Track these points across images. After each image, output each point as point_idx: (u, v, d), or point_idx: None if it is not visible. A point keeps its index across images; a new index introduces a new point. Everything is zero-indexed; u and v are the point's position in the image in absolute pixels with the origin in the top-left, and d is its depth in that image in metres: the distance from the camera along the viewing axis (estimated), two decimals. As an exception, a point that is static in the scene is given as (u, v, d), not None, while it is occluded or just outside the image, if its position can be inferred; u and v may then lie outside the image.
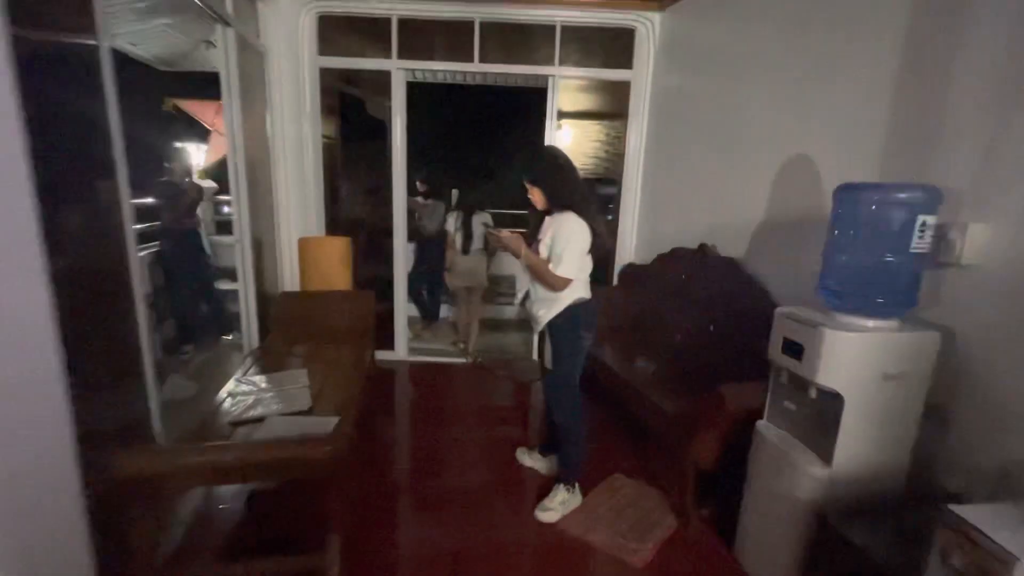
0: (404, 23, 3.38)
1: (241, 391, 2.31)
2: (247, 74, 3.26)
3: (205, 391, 2.76)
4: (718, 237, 2.79)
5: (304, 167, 3.53)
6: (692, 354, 2.67)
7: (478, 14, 3.34)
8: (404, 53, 3.42)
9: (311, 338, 3.17)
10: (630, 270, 3.69)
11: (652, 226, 3.60)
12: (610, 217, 4.15)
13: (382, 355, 3.84)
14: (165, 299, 3.75)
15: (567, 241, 1.89)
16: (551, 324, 2.04)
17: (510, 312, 5.14)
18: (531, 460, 2.50)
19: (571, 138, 8.23)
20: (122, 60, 3.85)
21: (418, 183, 4.41)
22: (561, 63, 3.50)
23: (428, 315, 4.65)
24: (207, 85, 3.84)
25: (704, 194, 2.97)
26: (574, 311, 1.99)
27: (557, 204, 1.97)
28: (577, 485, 2.20)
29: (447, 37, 3.56)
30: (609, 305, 3.51)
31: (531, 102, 4.33)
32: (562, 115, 7.99)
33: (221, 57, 2.62)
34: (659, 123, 3.48)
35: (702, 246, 2.87)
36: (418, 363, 3.95)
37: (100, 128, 1.54)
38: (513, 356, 4.06)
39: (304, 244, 3.54)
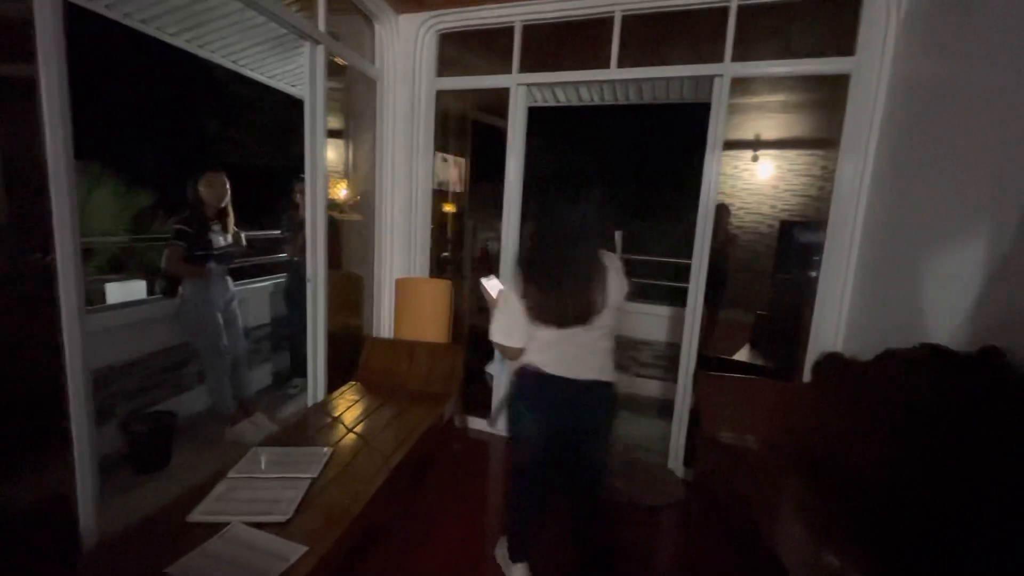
0: (527, 39, 2.79)
1: (245, 469, 1.88)
2: (358, 102, 3.07)
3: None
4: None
5: (413, 202, 3.16)
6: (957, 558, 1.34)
7: (619, 5, 2.56)
8: (526, 69, 2.83)
9: (387, 394, 2.74)
10: (832, 365, 2.33)
11: (875, 301, 2.22)
12: (814, 274, 2.84)
13: (479, 423, 3.19)
14: (283, 331, 3.76)
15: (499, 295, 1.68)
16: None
17: (652, 388, 4.00)
18: None
19: (770, 173, 6.68)
20: (292, 102, 4.15)
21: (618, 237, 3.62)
22: (737, 60, 2.45)
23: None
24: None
25: (988, 258, 1.59)
26: (527, 372, 1.64)
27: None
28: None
29: (576, 48, 2.85)
30: (788, 412, 2.26)
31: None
32: (759, 144, 6.59)
33: (307, 78, 2.37)
34: (899, 139, 2.13)
35: (987, 351, 1.50)
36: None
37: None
38: (641, 457, 2.96)
39: (401, 285, 3.15)
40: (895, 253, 2.09)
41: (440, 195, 3.87)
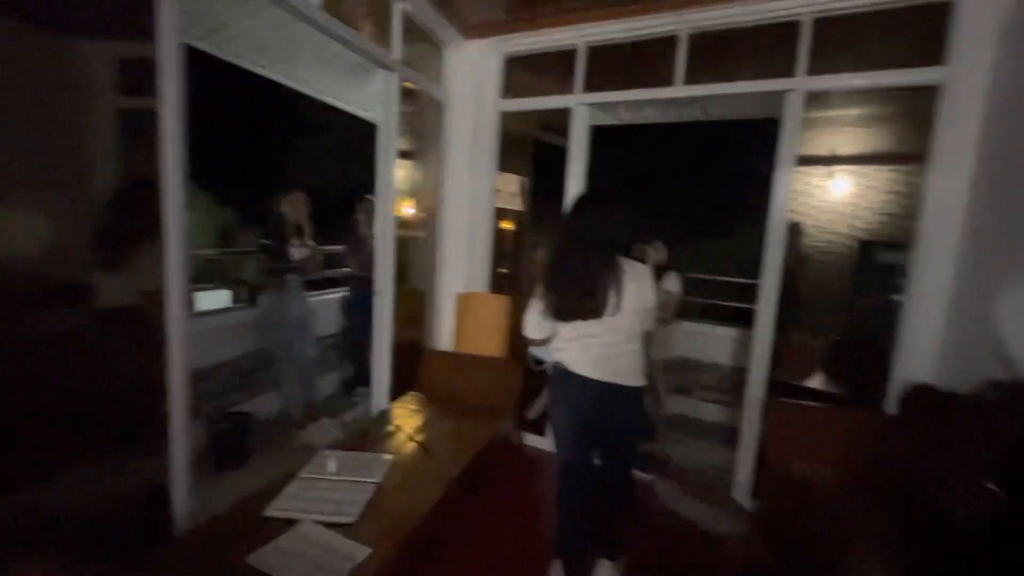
0: (589, 58, 2.84)
1: (314, 471, 1.98)
2: (425, 124, 3.22)
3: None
4: None
5: (474, 219, 3.25)
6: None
7: (685, 24, 2.55)
8: (588, 88, 2.86)
9: (446, 405, 2.80)
10: (924, 396, 2.15)
11: (975, 329, 2.02)
12: (898, 297, 2.64)
13: (536, 440, 3.18)
14: (348, 341, 3.94)
15: None
16: None
17: (715, 413, 3.83)
18: None
19: (846, 189, 6.28)
20: (364, 125, 4.40)
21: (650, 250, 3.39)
22: (811, 73, 2.36)
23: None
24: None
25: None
26: (557, 370, 1.83)
27: None
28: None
29: (638, 67, 2.85)
30: (871, 446, 2.10)
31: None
32: (834, 160, 6.23)
33: (381, 103, 2.52)
34: (1005, 153, 1.96)
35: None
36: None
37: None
38: (707, 478, 2.83)
39: (461, 299, 3.24)
40: (1000, 277, 1.90)
41: (501, 213, 3.95)
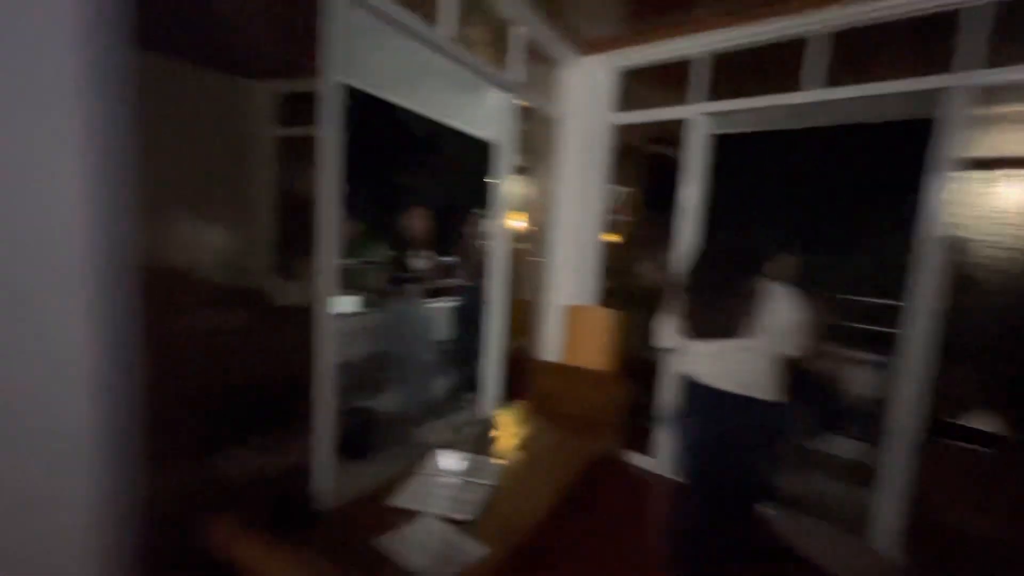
0: (708, 68, 2.74)
1: (432, 468, 2.12)
2: (537, 139, 3.32)
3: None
4: None
5: (583, 232, 3.28)
6: None
7: (818, 23, 2.36)
8: (708, 97, 2.76)
9: (552, 416, 2.85)
10: None
11: None
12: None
13: (642, 459, 3.09)
14: (459, 347, 4.14)
15: None
16: None
17: (846, 449, 3.42)
18: None
19: (1021, 197, 5.31)
20: (474, 143, 4.63)
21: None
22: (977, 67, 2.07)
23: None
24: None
25: None
26: (686, 382, 1.91)
27: None
28: None
29: (761, 70, 2.68)
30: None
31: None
32: (1003, 163, 5.31)
33: (497, 123, 2.65)
34: None
35: None
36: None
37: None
38: (840, 520, 2.53)
39: (569, 312, 3.26)
40: None
41: (609, 225, 3.92)
